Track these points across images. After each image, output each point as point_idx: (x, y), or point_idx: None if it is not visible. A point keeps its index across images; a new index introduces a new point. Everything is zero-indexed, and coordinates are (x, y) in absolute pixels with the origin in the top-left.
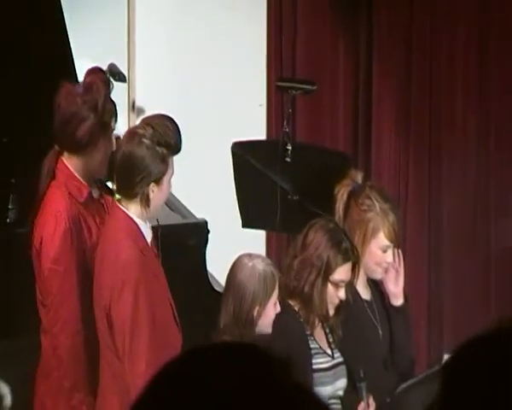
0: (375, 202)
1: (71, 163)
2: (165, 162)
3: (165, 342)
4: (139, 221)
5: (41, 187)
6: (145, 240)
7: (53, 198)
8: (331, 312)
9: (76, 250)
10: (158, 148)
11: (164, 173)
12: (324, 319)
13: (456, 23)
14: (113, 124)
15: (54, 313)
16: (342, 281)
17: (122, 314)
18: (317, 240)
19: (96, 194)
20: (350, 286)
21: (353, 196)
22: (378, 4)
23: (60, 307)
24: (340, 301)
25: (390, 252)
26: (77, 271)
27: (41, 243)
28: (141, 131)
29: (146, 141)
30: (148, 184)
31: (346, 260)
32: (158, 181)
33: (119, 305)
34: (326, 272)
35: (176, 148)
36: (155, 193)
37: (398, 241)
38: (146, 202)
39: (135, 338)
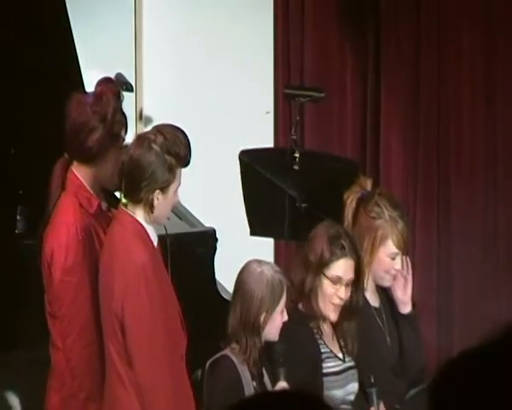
0: (383, 209)
1: (81, 173)
2: (172, 172)
3: (175, 345)
4: (146, 225)
5: (51, 197)
6: (152, 244)
7: (64, 209)
8: (332, 313)
9: (88, 261)
10: (167, 156)
11: (170, 183)
12: (329, 321)
13: (463, 38)
14: (123, 135)
15: (67, 325)
16: (339, 277)
17: (138, 317)
18: (315, 237)
19: (104, 206)
20: (361, 293)
21: (362, 203)
22: (386, 13)
23: (73, 319)
24: (350, 304)
25: (398, 259)
26: (89, 281)
27: (52, 254)
28: (151, 136)
29: (155, 147)
30: (154, 191)
31: (342, 256)
32: (163, 189)
33: (135, 307)
34: (320, 265)
35: (184, 160)
36: (160, 201)
37: (407, 248)
38: (150, 208)
39: (152, 346)
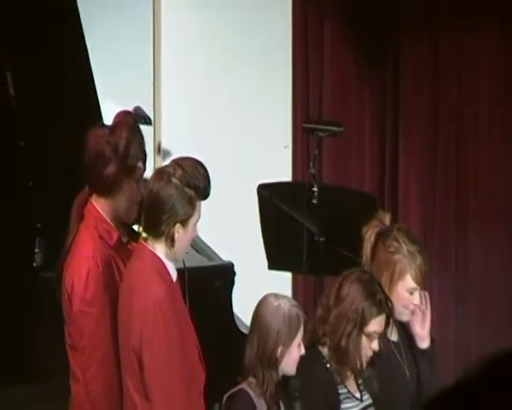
0: (402, 244)
1: (100, 206)
2: (192, 204)
3: (192, 381)
4: (165, 260)
5: (71, 229)
6: (171, 279)
7: (84, 241)
8: (364, 364)
9: (108, 293)
10: (186, 189)
11: (190, 215)
12: (358, 371)
13: (482, 76)
14: (140, 168)
15: (87, 357)
16: (376, 333)
17: (156, 353)
18: (352, 293)
19: (124, 239)
20: (383, 339)
21: (381, 237)
22: (404, 50)
23: (94, 351)
24: (374, 353)
25: (417, 294)
26: (110, 313)
27: (72, 286)
28: (171, 170)
29: (175, 181)
30: (174, 224)
31: (380, 312)
32: (184, 222)
33: (153, 343)
34: (361, 324)
35: (204, 192)
36: (180, 235)
37: (425, 283)
38: (171, 241)
39: (169, 381)
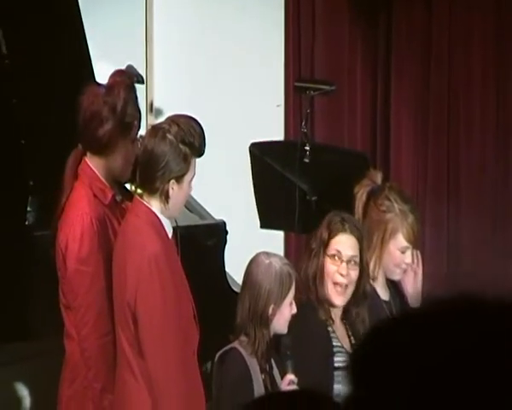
0: (394, 203)
1: (94, 164)
2: (187, 162)
3: (187, 338)
4: (161, 216)
5: (64, 188)
6: (167, 235)
7: (78, 199)
8: (337, 296)
9: (103, 251)
10: (181, 146)
11: (185, 172)
12: (331, 301)
13: (475, 32)
14: (135, 127)
15: (82, 315)
16: (338, 251)
17: (151, 307)
18: (322, 223)
19: (118, 198)
20: (367, 278)
21: (372, 196)
22: (397, 7)
23: (88, 309)
24: (357, 290)
25: (409, 253)
26: (104, 271)
27: (67, 245)
28: (166, 127)
29: (170, 137)
30: (169, 181)
31: (341, 231)
32: (178, 179)
33: (148, 298)
34: (320, 245)
35: (199, 150)
36: (175, 191)
37: (417, 242)
38: (165, 198)
39: (164, 336)
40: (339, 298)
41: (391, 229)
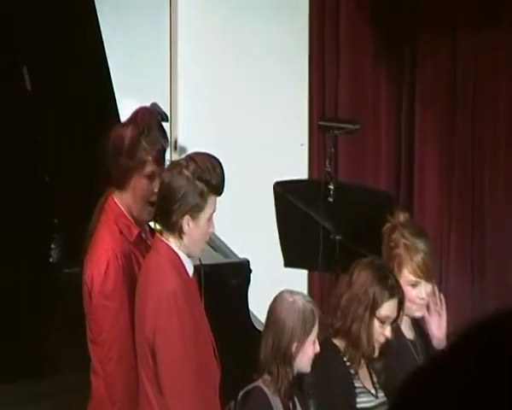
0: (401, 238)
1: (120, 201)
2: (203, 198)
3: (207, 375)
4: (181, 253)
5: (92, 224)
6: (187, 273)
7: (104, 235)
8: (377, 350)
9: (127, 287)
10: (197, 182)
11: (201, 209)
12: (369, 358)
13: (500, 78)
14: (149, 163)
15: (107, 350)
16: (388, 317)
17: (168, 343)
18: (363, 276)
19: (145, 235)
20: (395, 326)
21: (389, 233)
22: (422, 47)
23: (113, 344)
24: (386, 340)
25: (422, 288)
26: (129, 307)
27: (92, 280)
28: (184, 163)
29: (186, 173)
30: (184, 215)
31: (391, 296)
32: (194, 216)
33: (166, 334)
34: (373, 307)
35: (216, 188)
36: (192, 228)
37: (430, 276)
38: (179, 233)
39: (182, 372)
40: (376, 353)
41: (397, 264)
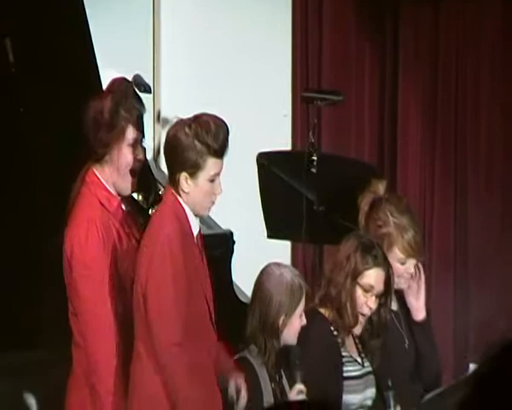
0: (389, 216)
1: (99, 172)
2: (202, 158)
3: (197, 336)
4: (187, 209)
5: (72, 196)
6: (191, 230)
7: (84, 206)
8: (359, 326)
9: (107, 257)
10: (196, 142)
11: (199, 168)
12: (352, 327)
13: (483, 41)
14: (129, 132)
15: (87, 321)
16: (372, 287)
17: (159, 285)
18: (347, 245)
19: (125, 207)
20: (388, 308)
21: (373, 208)
22: (404, 16)
23: (93, 314)
24: (378, 320)
25: (410, 263)
26: (109, 277)
27: (72, 250)
28: (187, 121)
29: (187, 131)
30: (181, 171)
31: (375, 265)
32: (192, 174)
33: (157, 276)
34: (354, 273)
35: (215, 150)
36: (191, 187)
37: (419, 252)
38: (176, 189)
39: (172, 311)
40: (359, 327)
41: (387, 244)
